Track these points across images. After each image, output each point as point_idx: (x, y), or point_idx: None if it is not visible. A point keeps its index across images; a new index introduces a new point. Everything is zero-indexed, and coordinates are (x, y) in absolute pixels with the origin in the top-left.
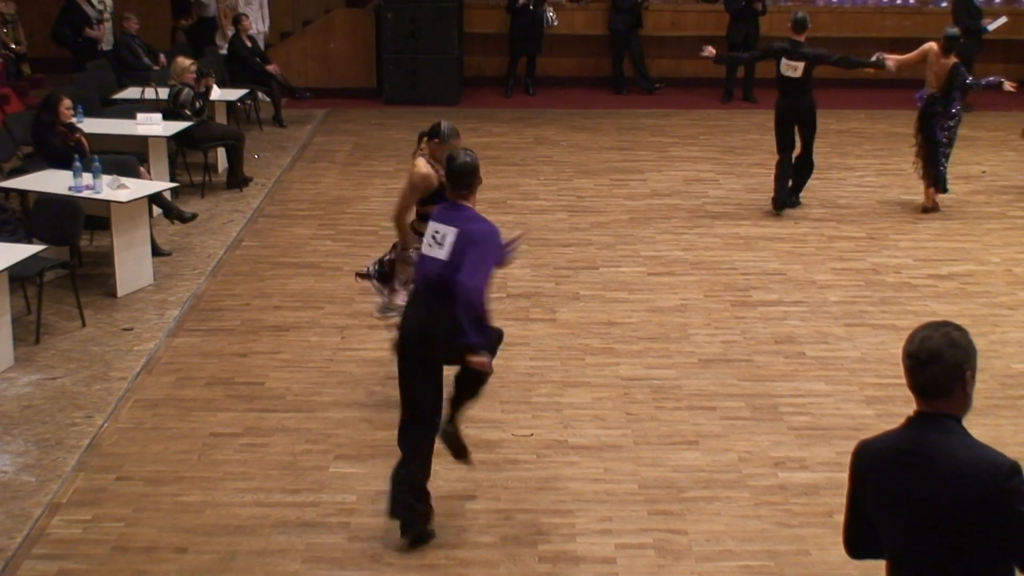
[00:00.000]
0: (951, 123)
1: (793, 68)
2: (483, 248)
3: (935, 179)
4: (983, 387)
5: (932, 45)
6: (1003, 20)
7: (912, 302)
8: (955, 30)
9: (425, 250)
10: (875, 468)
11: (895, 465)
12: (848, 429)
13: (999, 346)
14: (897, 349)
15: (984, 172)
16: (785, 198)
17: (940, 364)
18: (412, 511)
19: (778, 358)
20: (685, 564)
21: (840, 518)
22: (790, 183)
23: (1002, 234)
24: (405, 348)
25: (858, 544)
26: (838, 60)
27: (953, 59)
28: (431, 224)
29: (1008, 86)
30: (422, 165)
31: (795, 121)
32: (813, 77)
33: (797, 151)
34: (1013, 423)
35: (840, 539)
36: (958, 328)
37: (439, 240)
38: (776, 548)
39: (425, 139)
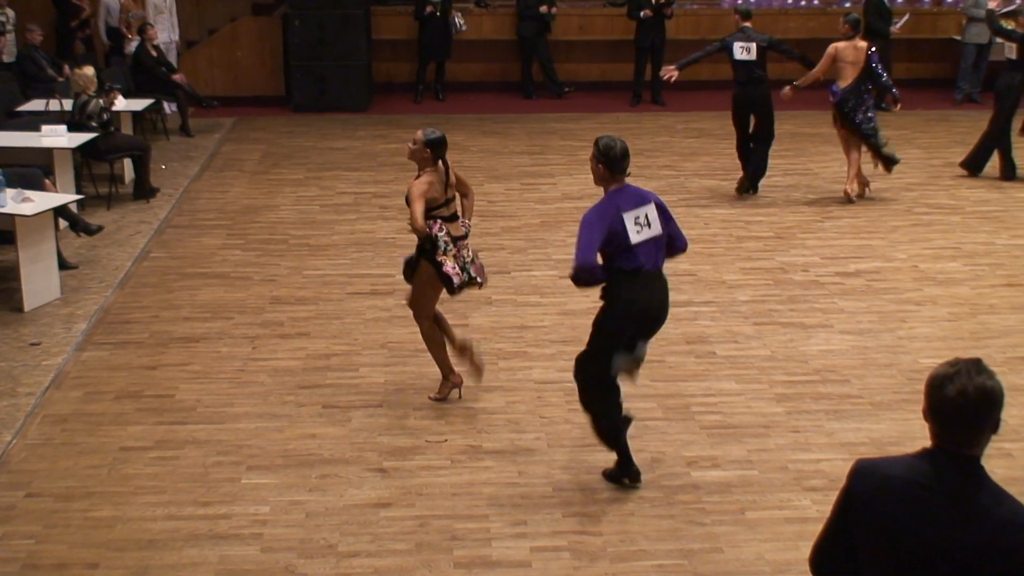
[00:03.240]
0: (868, 113)
1: (746, 49)
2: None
3: (883, 159)
4: (891, 382)
5: (835, 45)
6: (907, 18)
7: (820, 300)
8: (855, 15)
9: (636, 238)
10: (881, 496)
11: (909, 499)
12: (759, 427)
13: (906, 341)
14: (806, 347)
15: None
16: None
17: (977, 422)
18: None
19: (689, 358)
20: (600, 565)
21: (752, 515)
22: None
23: (908, 231)
24: (649, 322)
25: (828, 567)
26: (787, 50)
27: (866, 43)
28: (629, 214)
29: (896, 106)
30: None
31: (751, 110)
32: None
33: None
34: (921, 417)
35: (754, 537)
36: (989, 373)
37: (647, 222)
38: (689, 546)
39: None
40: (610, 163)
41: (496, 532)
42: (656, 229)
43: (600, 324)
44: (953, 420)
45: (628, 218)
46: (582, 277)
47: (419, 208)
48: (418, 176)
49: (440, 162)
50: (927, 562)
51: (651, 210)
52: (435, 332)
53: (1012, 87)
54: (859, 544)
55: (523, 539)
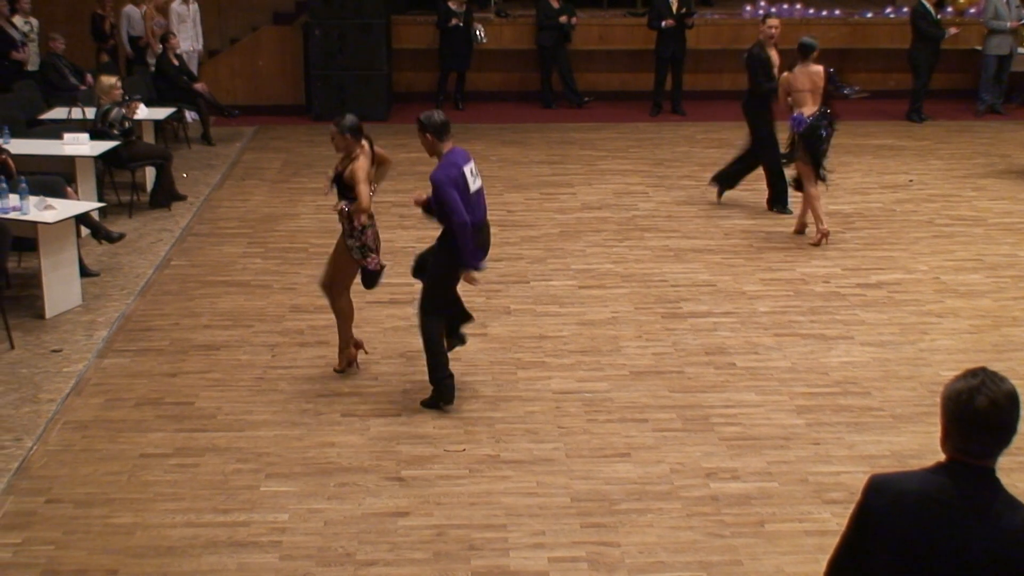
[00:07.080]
0: (831, 129)
1: None
2: None
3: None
4: (912, 395)
5: (785, 75)
6: (954, 31)
7: (841, 311)
8: (811, 39)
9: (474, 186)
10: (897, 511)
11: (926, 514)
12: (778, 439)
13: (928, 354)
14: (827, 358)
15: (911, 181)
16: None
17: (1010, 428)
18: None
19: (709, 369)
20: None
21: (772, 527)
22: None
23: (929, 242)
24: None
25: None
26: None
27: (820, 66)
28: (469, 165)
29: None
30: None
31: None
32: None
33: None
34: None
35: (773, 549)
36: (1005, 378)
37: (477, 172)
38: (708, 559)
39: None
40: (436, 131)
41: (514, 542)
42: (480, 181)
43: (439, 265)
44: (987, 430)
45: (466, 170)
46: (466, 232)
47: (366, 190)
48: (356, 159)
49: (365, 141)
50: (945, 575)
51: (474, 165)
52: (350, 307)
53: None
54: (875, 559)
55: (541, 549)
